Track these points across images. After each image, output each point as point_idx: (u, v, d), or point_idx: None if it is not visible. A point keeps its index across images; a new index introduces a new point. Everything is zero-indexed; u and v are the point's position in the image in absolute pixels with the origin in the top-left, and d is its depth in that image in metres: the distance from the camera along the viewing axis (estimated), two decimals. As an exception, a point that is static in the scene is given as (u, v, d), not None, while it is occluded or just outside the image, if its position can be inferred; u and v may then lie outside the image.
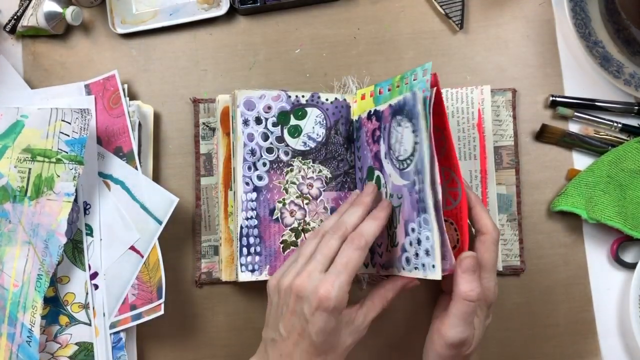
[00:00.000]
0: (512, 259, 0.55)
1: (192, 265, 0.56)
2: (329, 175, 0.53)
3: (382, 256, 0.49)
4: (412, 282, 0.47)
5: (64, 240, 0.50)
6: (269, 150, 0.52)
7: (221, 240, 0.54)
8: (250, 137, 0.52)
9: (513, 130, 0.56)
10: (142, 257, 0.52)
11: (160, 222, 0.52)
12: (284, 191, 0.52)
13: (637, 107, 0.57)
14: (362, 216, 0.46)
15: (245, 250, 0.51)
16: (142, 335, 0.56)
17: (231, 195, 0.54)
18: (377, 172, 0.49)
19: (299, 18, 0.59)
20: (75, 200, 0.52)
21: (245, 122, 0.52)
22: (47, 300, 0.52)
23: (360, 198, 0.48)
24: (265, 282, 0.48)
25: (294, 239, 0.52)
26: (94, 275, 0.53)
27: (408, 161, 0.44)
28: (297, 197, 0.52)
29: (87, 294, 0.53)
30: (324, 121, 0.53)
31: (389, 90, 0.49)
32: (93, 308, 0.53)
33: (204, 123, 0.57)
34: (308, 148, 0.53)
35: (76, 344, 0.53)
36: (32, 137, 0.52)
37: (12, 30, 0.59)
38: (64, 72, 0.59)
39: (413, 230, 0.44)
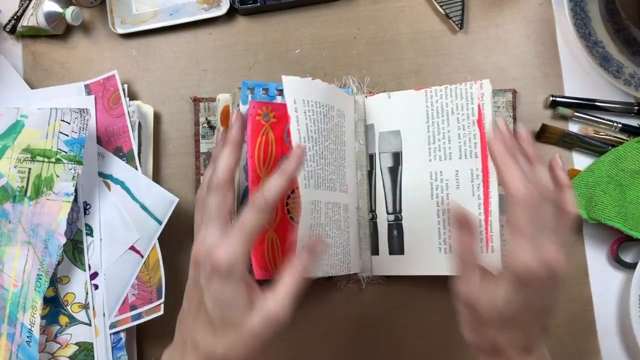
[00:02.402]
0: (511, 259, 0.55)
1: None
2: None
3: None
4: (318, 245, 0.41)
5: (63, 240, 0.50)
6: None
7: None
8: None
9: (513, 130, 0.56)
10: (142, 257, 0.52)
11: (160, 222, 0.52)
12: None
13: (637, 107, 0.57)
14: (228, 156, 0.40)
15: None
16: (142, 336, 0.55)
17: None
18: None
19: (299, 18, 0.59)
20: (75, 200, 0.52)
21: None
22: (47, 301, 0.52)
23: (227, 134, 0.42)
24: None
25: None
26: (94, 275, 0.53)
27: None
28: None
29: (87, 294, 0.53)
30: None
31: None
32: (93, 308, 0.53)
33: (205, 119, 0.56)
34: None
35: (76, 344, 0.53)
36: (32, 137, 0.52)
37: (12, 30, 0.59)
38: (64, 72, 0.59)
39: None
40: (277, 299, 0.38)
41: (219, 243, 0.38)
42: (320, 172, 0.49)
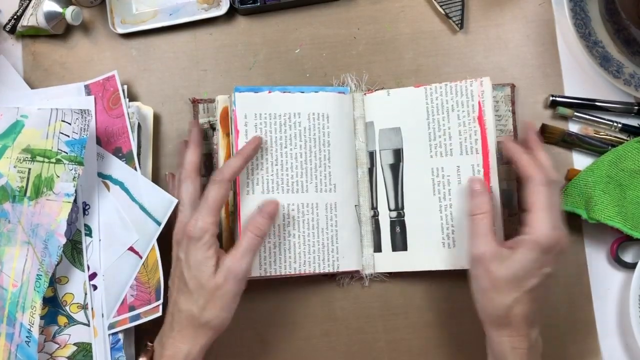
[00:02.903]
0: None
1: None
2: None
3: None
4: (270, 206, 0.49)
5: (63, 240, 0.50)
6: None
7: (223, 239, 0.54)
8: None
9: (513, 125, 0.56)
10: (141, 258, 0.52)
11: (159, 223, 0.52)
12: None
13: (637, 107, 0.57)
14: (191, 154, 0.51)
15: None
16: (141, 337, 0.55)
17: (231, 195, 0.54)
18: None
19: (299, 18, 0.59)
20: (75, 200, 0.52)
21: None
22: (45, 301, 0.52)
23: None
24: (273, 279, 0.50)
25: None
26: (92, 276, 0.53)
27: None
28: None
29: (85, 294, 0.53)
30: None
31: None
32: (92, 309, 0.52)
33: (208, 121, 0.57)
34: None
35: (75, 344, 0.52)
36: (32, 137, 0.52)
37: (12, 30, 0.59)
38: (64, 72, 0.59)
39: None
40: (234, 255, 0.46)
41: (191, 218, 0.47)
42: (274, 177, 0.53)
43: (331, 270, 0.53)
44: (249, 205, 0.52)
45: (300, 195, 0.53)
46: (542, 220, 0.45)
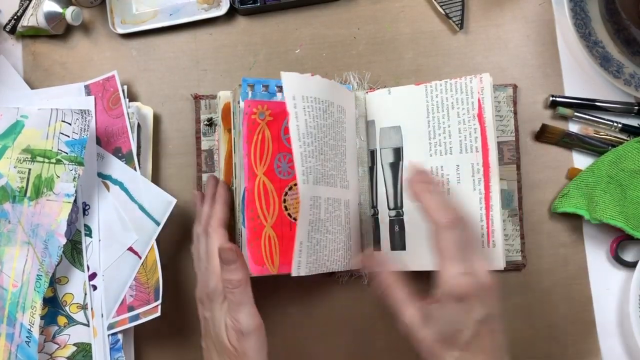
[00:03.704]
0: (513, 254, 0.55)
1: (192, 265, 0.56)
2: None
3: None
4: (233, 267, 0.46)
5: (63, 240, 0.50)
6: None
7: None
8: None
9: (514, 125, 0.56)
10: (140, 258, 0.52)
11: (158, 223, 0.52)
12: None
13: (637, 107, 0.57)
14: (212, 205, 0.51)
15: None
16: (140, 337, 0.55)
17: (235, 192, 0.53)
18: None
19: (299, 18, 0.59)
20: (75, 200, 0.52)
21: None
22: (45, 301, 0.52)
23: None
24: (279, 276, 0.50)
25: None
26: (92, 276, 0.53)
27: None
28: None
29: (85, 294, 0.53)
30: None
31: None
32: (91, 309, 0.52)
33: (207, 118, 0.57)
34: None
35: (74, 344, 0.52)
36: (32, 137, 0.52)
37: (12, 30, 0.59)
38: (64, 72, 0.59)
39: None
40: (236, 314, 0.45)
41: (207, 276, 0.47)
42: (320, 168, 0.49)
43: (346, 269, 0.53)
44: (307, 195, 0.48)
45: (332, 189, 0.51)
46: (448, 270, 0.41)
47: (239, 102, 0.51)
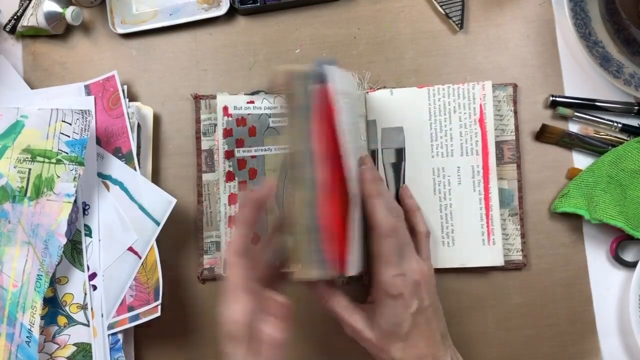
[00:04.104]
0: (513, 253, 0.56)
1: (193, 265, 0.56)
2: None
3: None
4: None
5: (63, 240, 0.50)
6: None
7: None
8: None
9: (514, 125, 0.56)
10: (140, 258, 0.52)
11: (158, 223, 0.52)
12: None
13: (637, 107, 0.57)
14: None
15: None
16: (140, 337, 0.55)
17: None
18: None
19: (299, 18, 0.59)
20: (75, 200, 0.52)
21: None
22: (45, 301, 0.52)
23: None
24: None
25: None
26: (92, 276, 0.53)
27: None
28: None
29: (85, 294, 0.53)
30: None
31: None
32: (91, 309, 0.52)
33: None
34: None
35: (74, 344, 0.52)
36: (32, 137, 0.52)
37: (12, 30, 0.59)
38: (64, 72, 0.59)
39: None
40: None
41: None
42: (355, 167, 0.46)
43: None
44: (353, 193, 0.46)
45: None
46: (385, 273, 0.44)
47: (311, 82, 0.44)
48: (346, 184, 0.44)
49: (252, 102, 0.55)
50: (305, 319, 0.56)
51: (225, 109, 0.54)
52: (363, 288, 0.56)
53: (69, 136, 0.52)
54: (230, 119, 0.54)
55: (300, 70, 0.44)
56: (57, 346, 0.52)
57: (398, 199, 0.56)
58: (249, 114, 0.55)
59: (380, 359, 0.46)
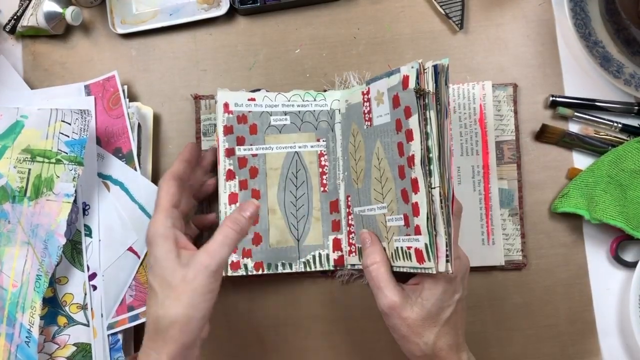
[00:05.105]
0: (513, 253, 0.56)
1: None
2: None
3: None
4: (250, 208, 0.45)
5: (63, 240, 0.50)
6: None
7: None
8: None
9: (514, 125, 0.56)
10: (140, 258, 0.52)
11: (158, 223, 0.52)
12: None
13: (637, 107, 0.57)
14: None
15: None
16: (140, 337, 0.55)
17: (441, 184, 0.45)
18: None
19: (299, 18, 0.59)
20: (75, 200, 0.52)
21: None
22: (45, 301, 0.52)
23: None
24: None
25: None
26: (92, 276, 0.53)
27: None
28: None
29: (85, 294, 0.53)
30: None
31: None
32: (91, 309, 0.52)
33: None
34: None
35: (74, 344, 0.52)
36: (32, 137, 0.52)
37: (12, 30, 0.59)
38: (64, 72, 0.59)
39: None
40: (206, 248, 0.42)
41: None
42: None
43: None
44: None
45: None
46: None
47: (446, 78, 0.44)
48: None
49: (254, 99, 0.54)
50: (308, 314, 0.57)
51: (226, 105, 0.53)
52: (363, 288, 0.56)
53: (68, 136, 0.52)
54: (231, 115, 0.54)
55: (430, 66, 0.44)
56: (57, 346, 0.52)
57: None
58: (249, 112, 0.54)
59: (408, 342, 0.45)
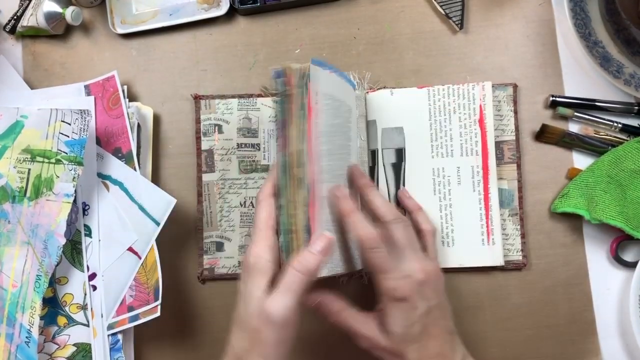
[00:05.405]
0: (513, 253, 0.56)
1: (193, 265, 0.56)
2: None
3: None
4: (322, 243, 0.43)
5: (63, 241, 0.50)
6: None
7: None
8: None
9: (514, 125, 0.56)
10: (140, 258, 0.52)
11: (157, 224, 0.52)
12: None
13: (637, 107, 0.57)
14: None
15: None
16: (139, 337, 0.55)
17: (298, 183, 0.47)
18: None
19: (299, 18, 0.59)
20: (74, 200, 0.52)
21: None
22: (45, 301, 0.52)
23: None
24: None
25: None
26: (92, 276, 0.53)
27: None
28: None
29: (85, 295, 0.53)
30: None
31: None
32: (91, 309, 0.52)
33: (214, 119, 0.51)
34: None
35: (74, 344, 0.52)
36: (32, 137, 0.52)
37: (12, 30, 0.59)
38: (64, 72, 0.59)
39: None
40: (273, 295, 0.41)
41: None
42: (329, 168, 0.48)
43: (353, 270, 0.51)
44: (322, 194, 0.46)
45: None
46: (385, 280, 0.45)
47: (308, 81, 0.45)
48: (314, 185, 0.45)
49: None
50: (310, 333, 0.56)
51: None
52: (364, 287, 0.56)
53: (68, 136, 0.52)
54: None
55: (297, 68, 0.45)
56: (57, 346, 0.52)
57: (398, 200, 0.56)
58: None
59: None
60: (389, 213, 0.47)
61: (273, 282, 0.42)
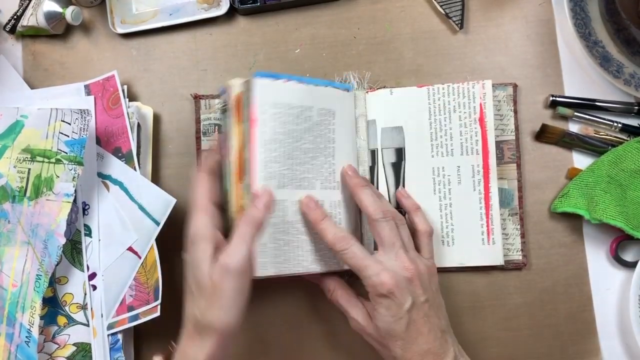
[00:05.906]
0: (513, 253, 0.56)
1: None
2: None
3: None
4: (264, 198, 0.47)
5: (63, 240, 0.50)
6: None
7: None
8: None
9: (514, 124, 0.56)
10: (140, 258, 0.52)
11: (157, 223, 0.52)
12: None
13: (637, 107, 0.57)
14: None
15: None
16: (139, 337, 0.55)
17: (244, 188, 0.50)
18: None
19: (299, 18, 0.59)
20: (74, 200, 0.52)
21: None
22: (45, 301, 0.52)
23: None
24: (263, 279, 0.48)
25: None
26: (92, 276, 0.53)
27: None
28: None
29: (85, 294, 0.53)
30: None
31: None
32: (91, 309, 0.52)
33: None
34: None
35: (74, 344, 0.52)
36: (32, 137, 0.52)
37: (12, 30, 0.59)
38: (64, 72, 0.59)
39: None
40: (226, 250, 0.44)
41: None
42: (287, 172, 0.50)
43: (337, 269, 0.52)
44: (271, 198, 0.49)
45: (308, 192, 0.51)
46: (367, 276, 0.45)
47: (250, 94, 0.49)
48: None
49: None
50: (309, 314, 0.57)
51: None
52: (362, 287, 0.56)
53: (68, 136, 0.52)
54: None
55: (240, 83, 0.50)
56: (57, 346, 0.52)
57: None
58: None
59: (383, 354, 0.47)
60: (376, 212, 0.47)
61: (216, 251, 0.44)
